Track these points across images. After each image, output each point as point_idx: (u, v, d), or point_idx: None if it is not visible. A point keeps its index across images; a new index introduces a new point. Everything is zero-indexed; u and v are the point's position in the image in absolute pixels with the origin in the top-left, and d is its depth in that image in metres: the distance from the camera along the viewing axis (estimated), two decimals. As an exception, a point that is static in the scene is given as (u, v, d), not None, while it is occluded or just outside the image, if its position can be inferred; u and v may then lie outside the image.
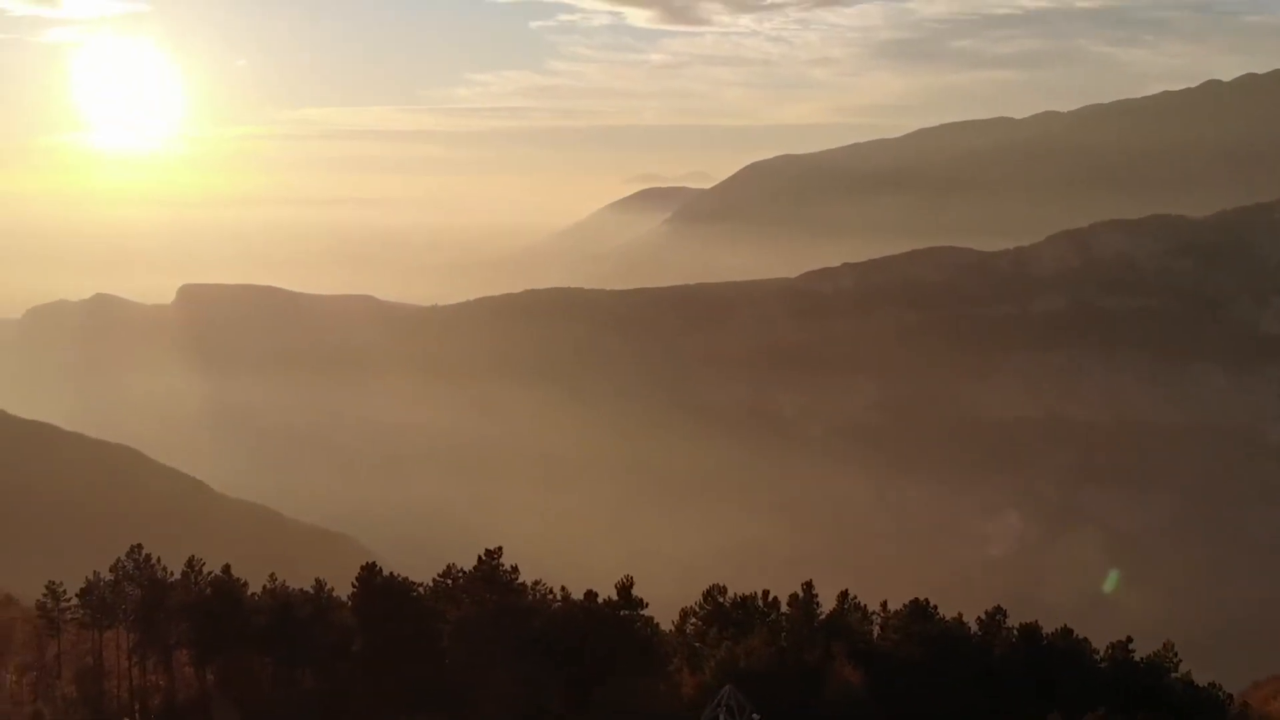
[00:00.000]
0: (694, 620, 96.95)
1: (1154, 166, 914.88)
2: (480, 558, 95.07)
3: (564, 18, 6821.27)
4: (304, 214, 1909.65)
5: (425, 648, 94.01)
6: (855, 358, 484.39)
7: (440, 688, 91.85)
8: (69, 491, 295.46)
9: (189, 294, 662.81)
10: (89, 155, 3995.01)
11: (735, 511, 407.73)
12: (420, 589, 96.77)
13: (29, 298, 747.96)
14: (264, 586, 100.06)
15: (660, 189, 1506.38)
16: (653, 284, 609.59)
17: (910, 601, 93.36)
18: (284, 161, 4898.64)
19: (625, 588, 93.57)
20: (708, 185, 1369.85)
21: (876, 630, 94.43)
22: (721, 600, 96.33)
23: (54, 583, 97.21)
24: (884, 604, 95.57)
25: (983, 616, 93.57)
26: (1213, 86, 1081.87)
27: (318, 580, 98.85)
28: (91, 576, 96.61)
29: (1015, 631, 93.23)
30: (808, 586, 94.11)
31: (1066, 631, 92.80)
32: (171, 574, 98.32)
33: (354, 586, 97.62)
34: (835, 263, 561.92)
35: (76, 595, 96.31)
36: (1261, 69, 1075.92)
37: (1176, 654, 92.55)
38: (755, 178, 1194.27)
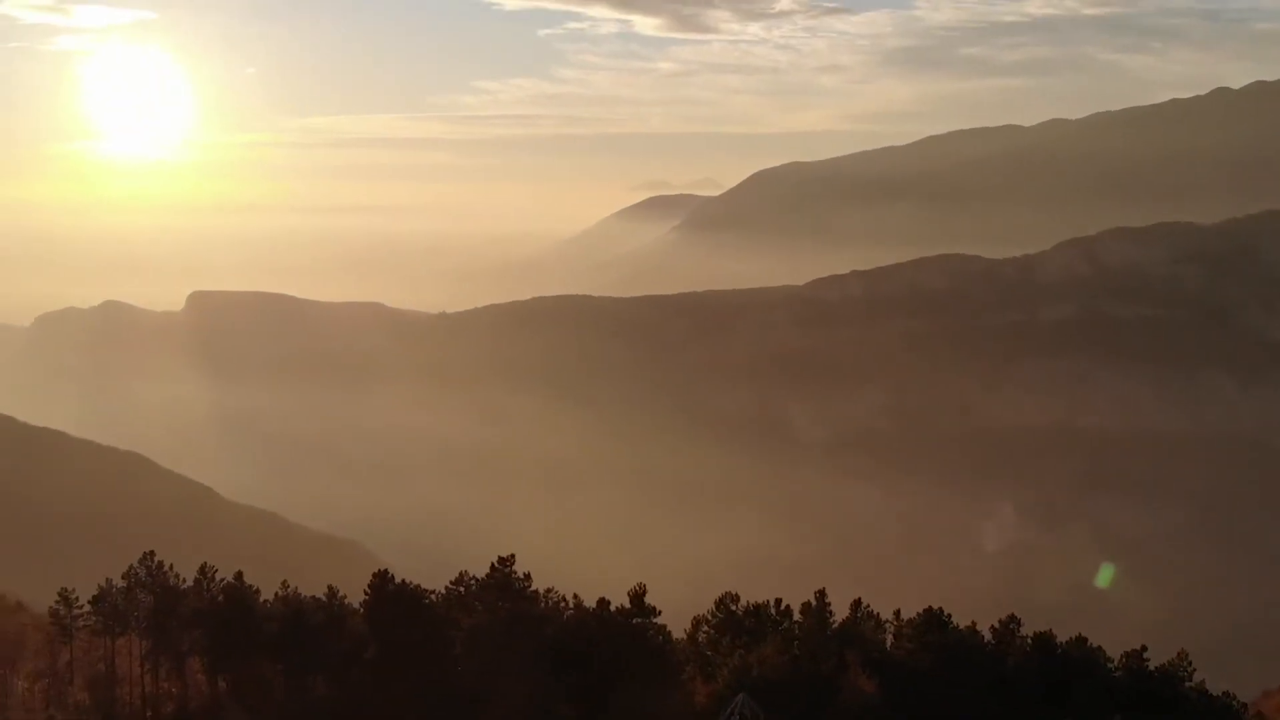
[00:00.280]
0: (706, 628, 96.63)
1: (1162, 174, 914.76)
2: (493, 565, 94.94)
3: (572, 26, 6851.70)
4: (312, 221, 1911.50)
5: (438, 655, 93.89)
6: (863, 365, 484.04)
7: (452, 695, 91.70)
8: (78, 498, 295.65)
9: (198, 301, 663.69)
10: (98, 162, 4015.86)
11: (742, 519, 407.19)
12: (432, 596, 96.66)
13: (38, 304, 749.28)
14: (276, 594, 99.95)
15: (668, 196, 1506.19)
16: (660, 291, 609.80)
17: (924, 610, 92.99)
18: (292, 169, 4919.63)
19: (638, 595, 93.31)
20: (715, 193, 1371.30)
21: (890, 639, 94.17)
22: (734, 608, 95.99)
23: (66, 589, 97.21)
24: (897, 613, 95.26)
25: (996, 625, 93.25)
26: (1222, 94, 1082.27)
27: (330, 588, 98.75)
28: (104, 584, 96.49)
29: (1029, 640, 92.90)
30: (821, 595, 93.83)
31: (1080, 640, 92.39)
32: (184, 581, 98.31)
33: (366, 594, 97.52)
34: (843, 270, 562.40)
35: (89, 602, 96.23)
36: (1270, 76, 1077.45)
37: (1191, 663, 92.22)
38: (763, 185, 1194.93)
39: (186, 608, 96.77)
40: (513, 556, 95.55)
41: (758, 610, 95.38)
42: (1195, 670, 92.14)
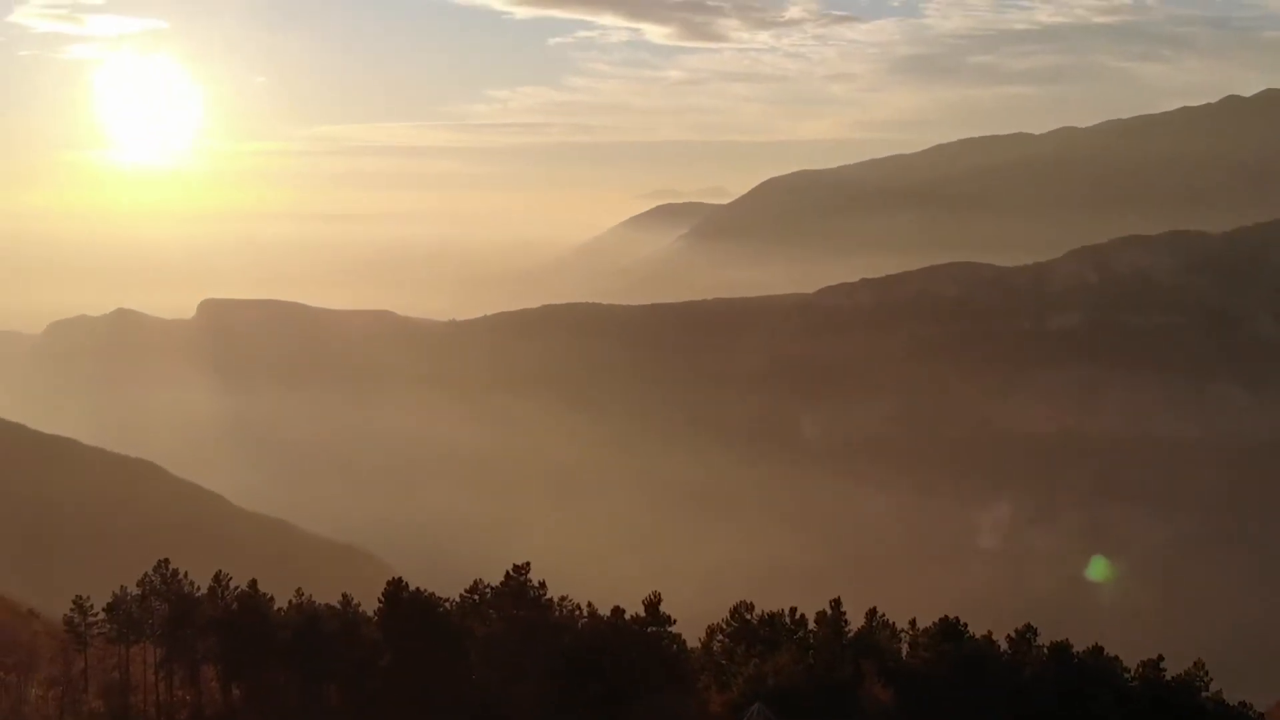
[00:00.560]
0: (721, 637, 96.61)
1: (1172, 182, 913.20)
2: (508, 573, 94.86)
3: (582, 34, 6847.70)
4: (323, 229, 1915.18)
5: (452, 664, 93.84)
6: (873, 373, 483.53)
7: (467, 704, 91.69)
8: (89, 505, 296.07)
9: (209, 308, 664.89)
10: (110, 171, 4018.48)
11: (753, 527, 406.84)
12: (446, 604, 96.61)
13: (50, 312, 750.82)
14: (290, 601, 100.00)
15: (677, 204, 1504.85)
16: (669, 299, 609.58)
17: (940, 619, 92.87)
18: (303, 177, 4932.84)
19: (653, 604, 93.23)
20: (725, 201, 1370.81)
21: (905, 648, 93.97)
22: (749, 617, 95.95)
23: (81, 597, 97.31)
24: (913, 622, 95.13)
25: (1012, 635, 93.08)
26: (1232, 102, 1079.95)
27: (344, 595, 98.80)
28: (119, 591, 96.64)
29: (1045, 650, 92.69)
30: (836, 604, 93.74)
31: (1097, 650, 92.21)
32: (198, 588, 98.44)
33: (380, 602, 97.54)
34: (853, 278, 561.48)
35: (103, 610, 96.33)
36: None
37: (1207, 672, 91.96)
38: (772, 193, 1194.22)
39: (201, 616, 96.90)
40: (528, 565, 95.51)
41: (772, 619, 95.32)
42: (1212, 680, 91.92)
